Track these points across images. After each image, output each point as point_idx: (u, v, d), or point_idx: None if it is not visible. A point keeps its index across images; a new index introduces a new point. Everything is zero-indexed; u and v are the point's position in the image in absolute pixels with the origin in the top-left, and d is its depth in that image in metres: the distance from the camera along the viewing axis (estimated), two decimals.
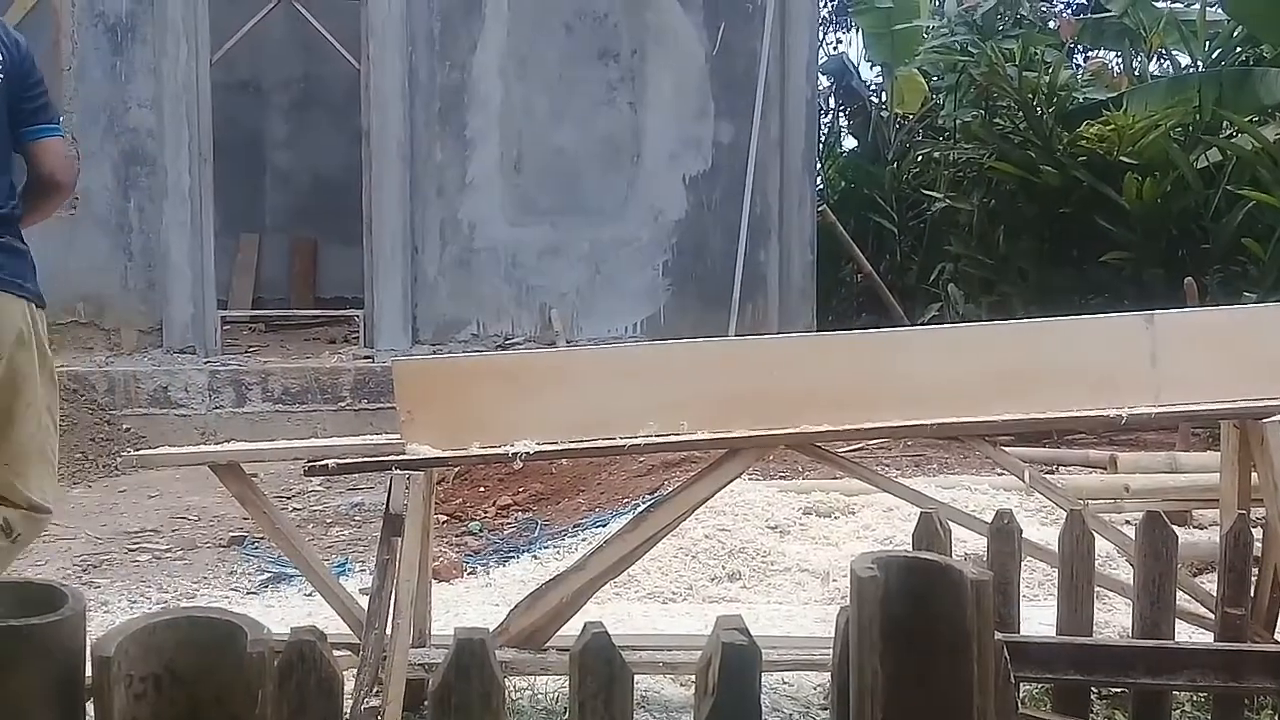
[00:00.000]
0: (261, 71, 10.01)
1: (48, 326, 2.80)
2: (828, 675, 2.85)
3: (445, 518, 4.85)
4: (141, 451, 2.70)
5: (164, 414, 6.70)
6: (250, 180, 9.83)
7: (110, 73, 7.27)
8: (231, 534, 4.71)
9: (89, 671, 0.83)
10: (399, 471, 2.46)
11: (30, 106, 2.65)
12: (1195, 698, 2.63)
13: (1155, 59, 8.75)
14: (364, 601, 2.61)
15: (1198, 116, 7.01)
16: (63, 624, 0.81)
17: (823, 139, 10.67)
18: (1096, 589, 2.22)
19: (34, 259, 2.72)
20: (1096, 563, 2.22)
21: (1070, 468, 4.94)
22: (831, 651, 2.49)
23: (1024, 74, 7.64)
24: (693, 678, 2.82)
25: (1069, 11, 10.58)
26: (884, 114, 11.05)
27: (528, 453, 2.53)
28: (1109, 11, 8.52)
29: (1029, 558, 2.46)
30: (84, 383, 6.58)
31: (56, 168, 2.68)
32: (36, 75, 2.67)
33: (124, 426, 6.52)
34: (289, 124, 10.19)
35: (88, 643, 0.85)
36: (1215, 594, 2.24)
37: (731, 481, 2.68)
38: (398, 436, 2.59)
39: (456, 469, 4.92)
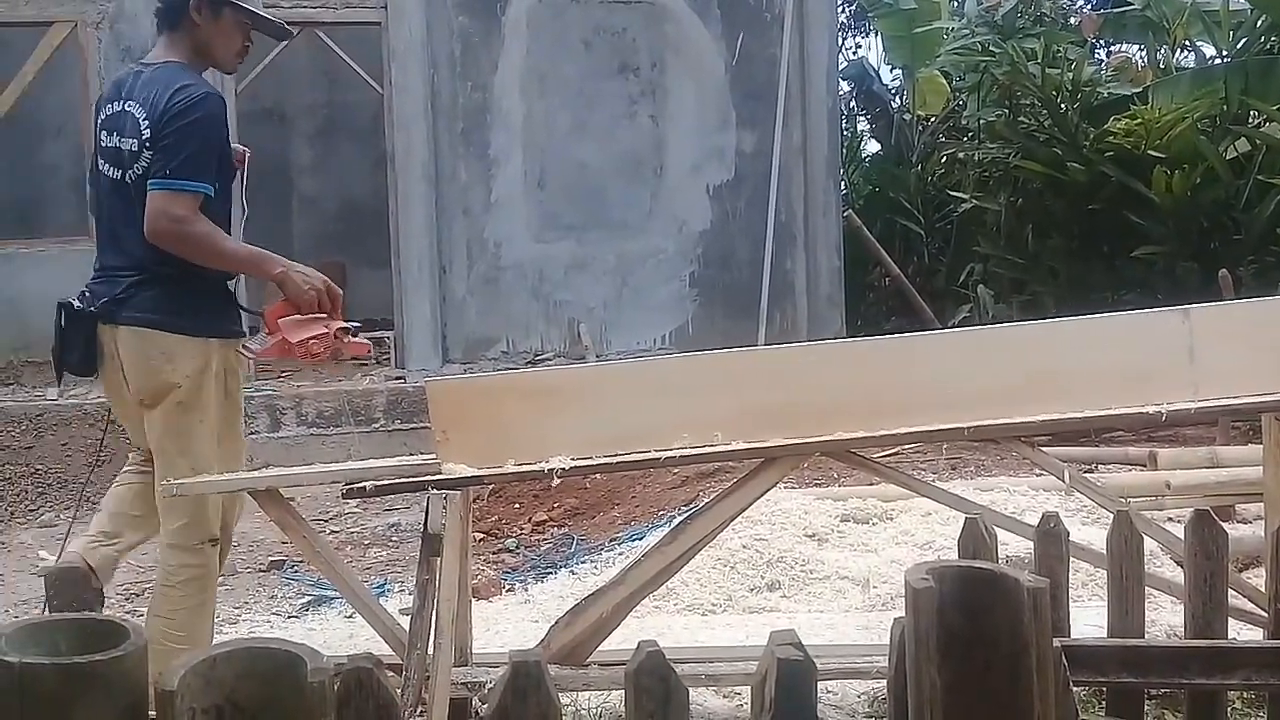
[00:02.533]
0: (286, 99, 10.12)
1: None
2: (872, 683, 2.84)
3: (482, 536, 4.87)
4: (180, 480, 2.72)
5: None
6: (277, 207, 9.92)
7: None
8: (271, 558, 4.73)
9: (152, 706, 0.84)
10: (436, 491, 2.47)
11: (156, 162, 2.78)
12: (1246, 695, 2.60)
13: (1179, 51, 8.67)
14: (405, 622, 2.62)
15: (1225, 107, 6.94)
16: (125, 659, 0.82)
17: (845, 144, 10.65)
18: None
19: (176, 298, 2.85)
20: None
21: (1109, 465, 4.88)
22: (876, 659, 2.47)
23: (1047, 72, 7.60)
24: (736, 690, 2.82)
25: (1090, 7, 10.51)
26: (906, 117, 11.02)
27: (563, 469, 2.53)
28: (1130, 5, 8.46)
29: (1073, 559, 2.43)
30: None
31: (148, 219, 2.77)
32: (166, 132, 2.78)
33: None
34: (314, 150, 10.29)
35: (150, 677, 0.85)
36: (1265, 590, 2.20)
37: (768, 491, 2.67)
38: (433, 456, 2.60)
39: (492, 487, 4.94)
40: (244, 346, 3.03)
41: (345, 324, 2.82)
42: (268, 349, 2.77)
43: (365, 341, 2.91)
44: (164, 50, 2.96)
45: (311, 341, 2.74)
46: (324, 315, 2.82)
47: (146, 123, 2.80)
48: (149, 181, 2.77)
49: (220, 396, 2.88)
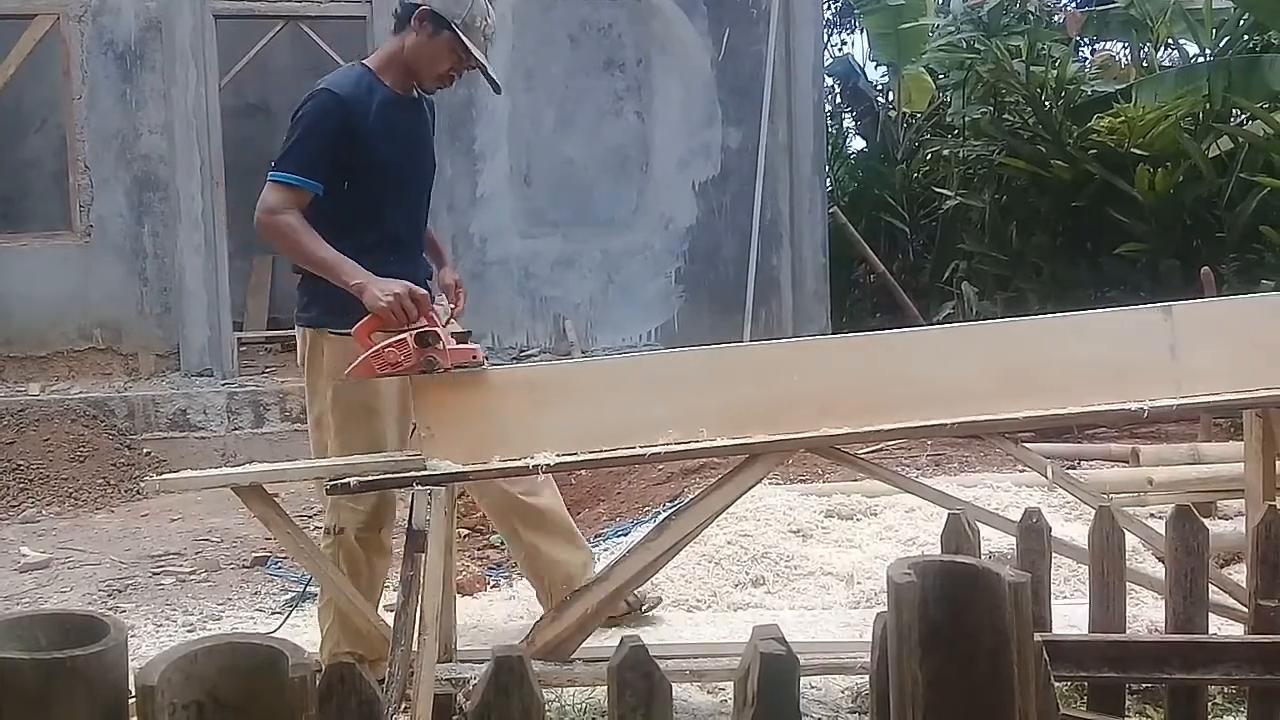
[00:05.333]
0: (270, 94, 10.06)
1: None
2: (856, 679, 2.85)
3: (466, 531, 4.86)
4: (163, 475, 2.71)
5: (183, 437, 6.73)
6: None
7: (121, 100, 7.32)
8: (254, 554, 4.72)
9: (132, 700, 0.84)
10: (420, 487, 2.46)
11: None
12: (1226, 691, 2.61)
13: (1163, 49, 8.72)
14: (389, 618, 2.62)
15: (1208, 105, 6.97)
16: (105, 654, 0.81)
17: (831, 141, 10.66)
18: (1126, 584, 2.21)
19: (324, 291, 2.88)
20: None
21: (1092, 462, 4.91)
22: (860, 655, 2.48)
23: (1031, 69, 7.62)
24: (720, 685, 2.83)
25: (1074, 6, 10.54)
26: (892, 113, 11.04)
27: (548, 464, 2.53)
28: (1114, 4, 8.50)
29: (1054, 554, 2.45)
30: (103, 408, 6.62)
31: (257, 209, 2.85)
32: (289, 129, 2.89)
33: (144, 451, 6.55)
34: None
35: (130, 672, 0.85)
36: (1246, 586, 2.22)
37: (753, 487, 2.68)
38: (418, 452, 2.60)
39: (477, 482, 4.92)
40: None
41: (427, 330, 2.62)
42: (355, 367, 2.62)
43: (470, 347, 2.65)
44: (376, 52, 3.05)
45: (388, 350, 2.58)
46: (415, 325, 2.66)
47: None
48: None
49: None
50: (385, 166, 2.93)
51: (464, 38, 2.92)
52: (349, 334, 2.81)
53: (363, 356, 2.61)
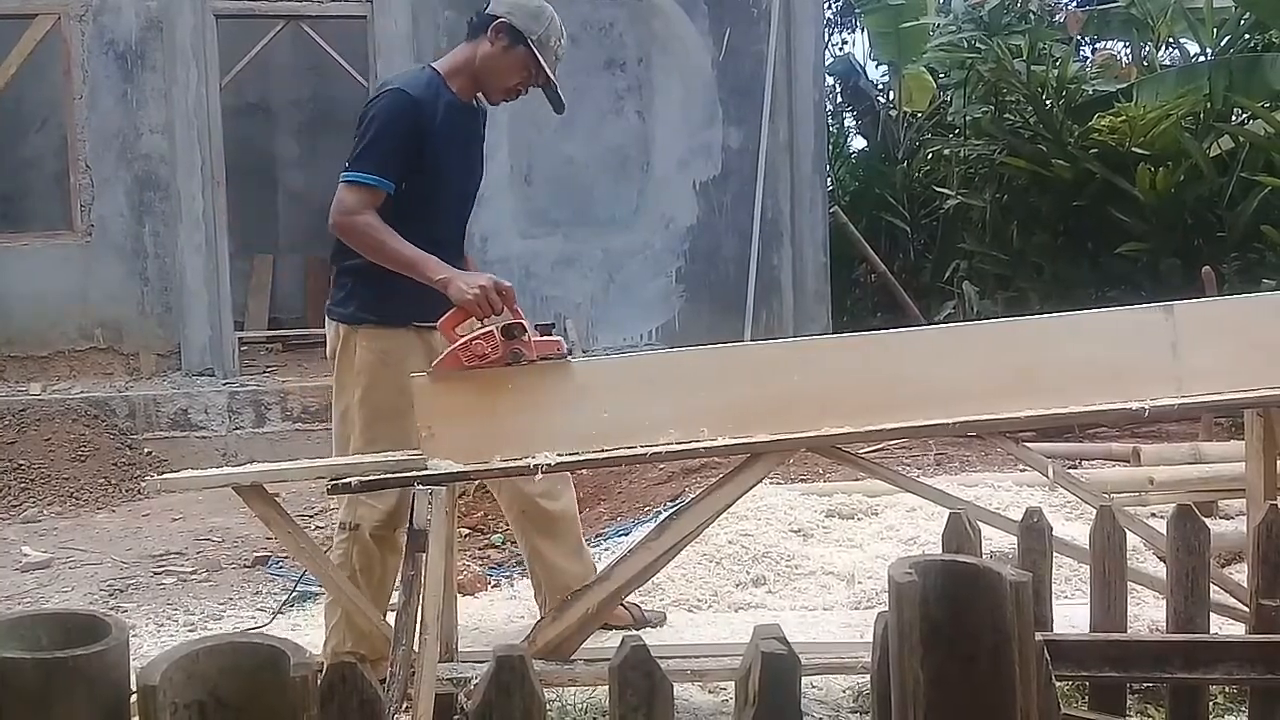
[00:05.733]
0: (271, 94, 10.07)
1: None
2: (857, 678, 2.85)
3: (468, 531, 4.86)
4: (165, 475, 2.71)
5: (185, 437, 6.73)
6: (263, 201, 9.88)
7: (121, 100, 7.32)
8: (256, 554, 4.72)
9: (134, 700, 0.84)
10: (421, 487, 2.46)
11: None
12: (1228, 690, 2.61)
13: (1163, 48, 8.71)
14: (390, 618, 2.62)
15: (1209, 104, 6.97)
16: (107, 653, 0.81)
17: (831, 140, 10.67)
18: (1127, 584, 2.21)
19: (361, 286, 2.95)
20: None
21: (1093, 462, 4.91)
22: (861, 655, 2.48)
23: (1032, 68, 7.62)
24: (721, 685, 2.83)
25: (1075, 5, 10.54)
26: (892, 113, 11.04)
27: (549, 464, 2.53)
28: (1115, 3, 8.49)
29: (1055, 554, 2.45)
30: (104, 408, 6.62)
31: (332, 212, 2.88)
32: (358, 129, 2.91)
33: (146, 450, 6.55)
34: (300, 145, 10.24)
35: (132, 671, 0.85)
36: (1248, 586, 2.22)
37: (753, 486, 2.68)
38: (419, 452, 2.60)
39: (477, 482, 4.93)
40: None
41: (513, 322, 2.61)
42: (441, 361, 2.62)
43: (554, 339, 2.65)
44: (444, 57, 3.07)
45: (475, 343, 2.58)
46: (500, 317, 2.67)
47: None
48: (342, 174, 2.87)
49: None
50: (444, 170, 2.96)
51: (538, 54, 2.96)
52: (384, 328, 2.88)
53: (449, 349, 2.61)
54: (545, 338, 2.64)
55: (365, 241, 2.85)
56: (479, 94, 3.08)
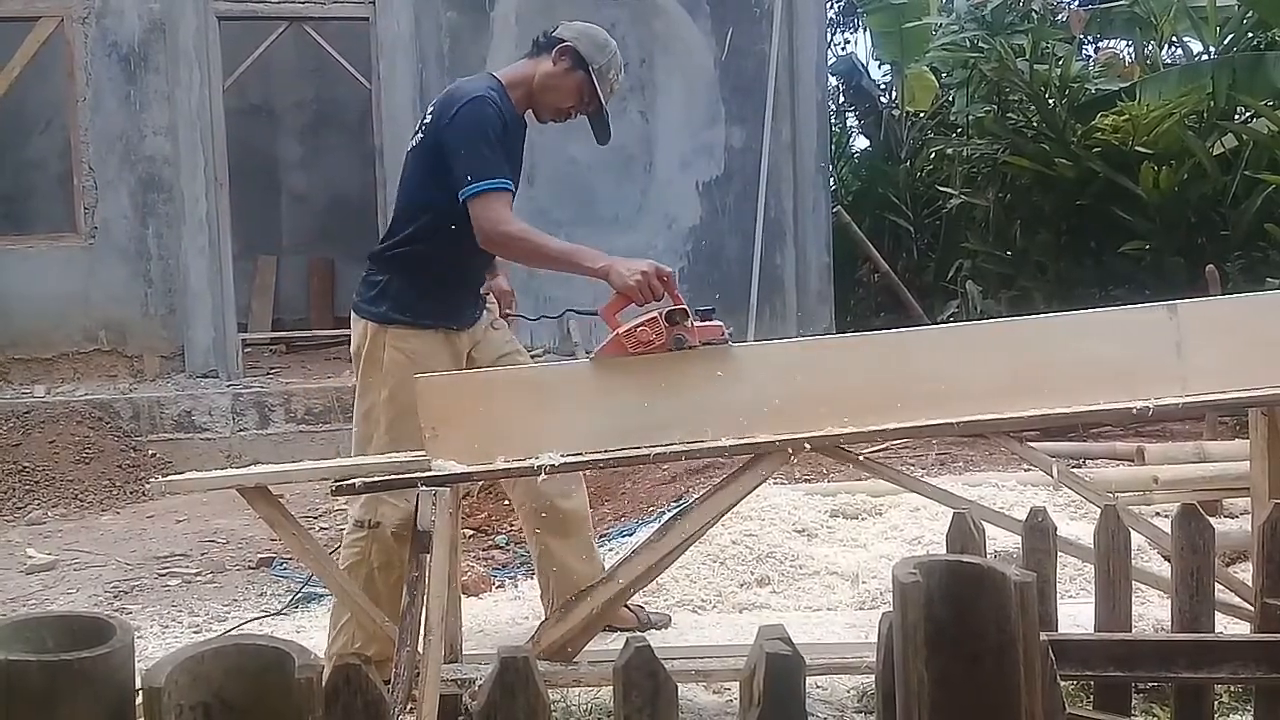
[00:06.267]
0: (274, 95, 10.08)
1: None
2: (862, 679, 2.85)
3: (471, 532, 4.86)
4: (169, 477, 2.71)
5: (189, 438, 6.74)
6: (266, 203, 9.89)
7: (125, 102, 7.33)
8: (260, 555, 4.72)
9: (139, 702, 0.84)
10: (425, 488, 2.46)
11: (453, 171, 2.88)
12: (1232, 689, 2.61)
13: (1167, 47, 8.71)
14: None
15: (1212, 103, 6.96)
16: (112, 655, 0.82)
17: (834, 140, 10.66)
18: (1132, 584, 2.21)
19: (395, 286, 2.97)
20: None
21: (1097, 461, 4.91)
22: (865, 655, 2.47)
23: (1035, 67, 7.62)
24: (726, 685, 2.83)
25: (1077, 4, 10.54)
26: (895, 112, 11.03)
27: (553, 465, 2.53)
28: (1118, 1, 8.49)
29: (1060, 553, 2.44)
30: (109, 410, 6.63)
31: (478, 228, 2.87)
32: (458, 139, 2.88)
33: (150, 452, 6.56)
34: (303, 146, 10.26)
35: (136, 673, 0.85)
36: (1252, 585, 2.21)
37: (757, 486, 2.68)
38: (423, 453, 2.60)
39: (482, 483, 4.93)
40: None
41: (675, 307, 2.61)
42: (604, 347, 2.61)
43: (717, 324, 2.64)
44: (506, 69, 3.10)
45: (640, 329, 2.58)
46: (660, 303, 2.67)
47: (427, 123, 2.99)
48: (462, 191, 2.85)
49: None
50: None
51: (595, 83, 3.02)
52: (415, 329, 2.91)
53: (612, 335, 2.61)
54: (708, 323, 2.64)
55: (530, 246, 2.90)
56: (529, 110, 3.13)
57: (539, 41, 3.10)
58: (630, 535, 4.30)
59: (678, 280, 2.78)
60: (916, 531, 3.97)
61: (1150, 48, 8.54)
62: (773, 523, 4.07)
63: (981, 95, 8.28)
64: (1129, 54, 9.38)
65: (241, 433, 6.84)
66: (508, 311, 3.29)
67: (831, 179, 9.54)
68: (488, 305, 3.21)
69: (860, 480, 4.35)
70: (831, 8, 13.42)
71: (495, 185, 2.86)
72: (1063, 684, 2.19)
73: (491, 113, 2.91)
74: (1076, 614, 2.70)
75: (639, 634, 1.02)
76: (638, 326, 2.58)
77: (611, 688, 1.01)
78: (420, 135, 3.02)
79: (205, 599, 4.19)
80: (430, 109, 3.06)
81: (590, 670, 2.67)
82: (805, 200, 8.11)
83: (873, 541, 3.99)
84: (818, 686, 2.89)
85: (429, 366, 2.86)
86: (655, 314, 2.59)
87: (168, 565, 4.69)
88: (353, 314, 3.07)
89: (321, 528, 5.25)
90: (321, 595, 3.93)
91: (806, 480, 4.72)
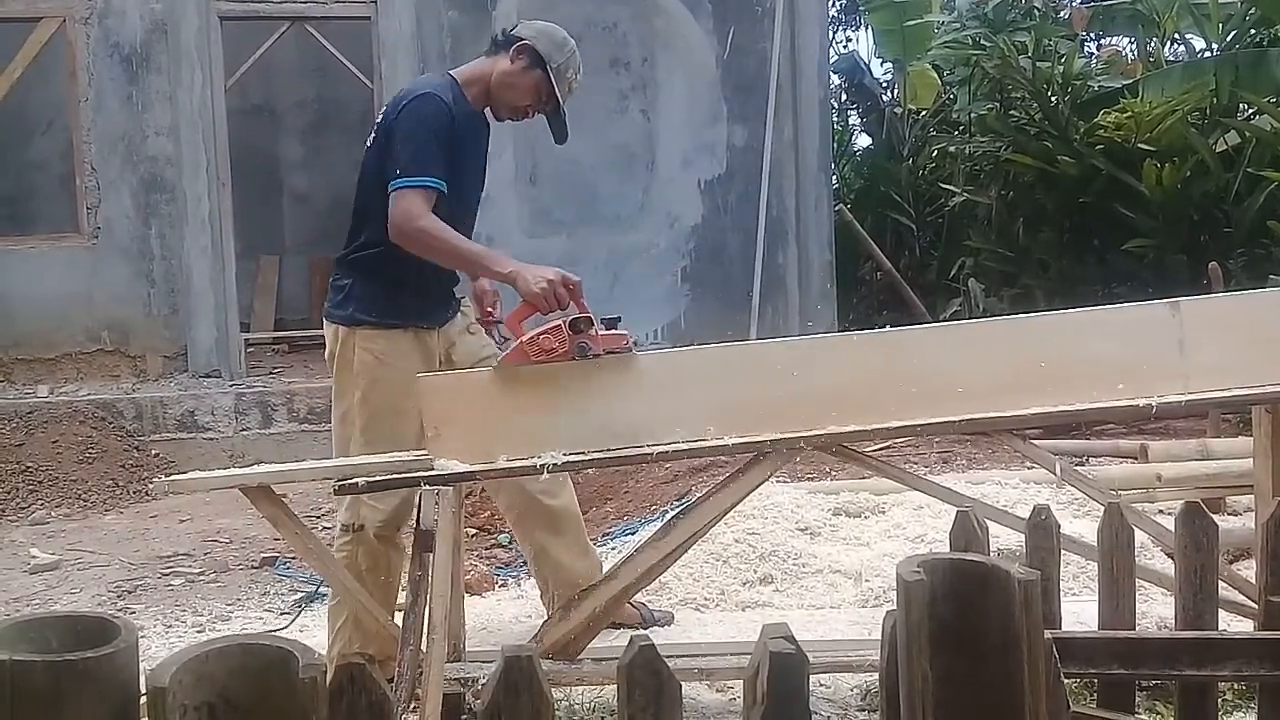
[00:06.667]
0: (276, 95, 10.09)
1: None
2: (865, 677, 2.85)
3: (474, 531, 4.86)
4: (172, 477, 2.71)
5: (191, 438, 6.75)
6: (268, 203, 9.89)
7: (127, 102, 7.34)
8: (263, 555, 4.73)
9: (143, 701, 0.84)
10: (428, 488, 2.46)
11: (391, 164, 2.88)
12: (1236, 687, 2.61)
13: (1169, 44, 8.70)
14: (398, 618, 2.62)
15: (1214, 100, 6.96)
16: (116, 655, 0.82)
17: (836, 138, 10.66)
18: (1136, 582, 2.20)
19: (359, 288, 2.98)
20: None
21: (1100, 458, 4.90)
22: (869, 653, 2.47)
23: (1037, 65, 7.61)
24: (729, 683, 2.83)
25: (1079, 1, 10.53)
26: (897, 110, 11.03)
27: (555, 464, 2.53)
28: None
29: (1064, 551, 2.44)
30: (112, 410, 6.64)
31: (390, 220, 2.85)
32: (397, 135, 2.89)
33: (153, 452, 6.57)
34: (305, 146, 10.26)
35: (141, 673, 0.85)
36: (1256, 582, 2.21)
37: (760, 485, 2.68)
38: (426, 452, 2.60)
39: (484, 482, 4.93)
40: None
41: (580, 315, 2.60)
42: (508, 355, 2.60)
43: (621, 333, 2.63)
44: (463, 66, 3.11)
45: (543, 337, 2.57)
46: (565, 311, 2.67)
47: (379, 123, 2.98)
48: (391, 182, 2.83)
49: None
50: (459, 178, 2.97)
51: (554, 82, 3.02)
52: (382, 329, 2.89)
53: (515, 343, 2.61)
54: (611, 331, 2.63)
55: (436, 244, 2.85)
56: (487, 108, 3.12)
57: (497, 39, 3.08)
58: (633, 534, 4.30)
59: (581, 290, 2.74)
60: (919, 530, 3.97)
61: (1153, 45, 8.53)
62: (775, 521, 4.07)
63: (984, 93, 8.27)
64: (1131, 51, 9.37)
65: (244, 432, 6.84)
66: (489, 311, 3.26)
67: (834, 177, 9.53)
68: (463, 309, 3.19)
69: (863, 478, 4.35)
70: (833, 6, 13.40)
71: (419, 183, 2.83)
72: (1067, 682, 2.19)
73: (433, 110, 2.89)
74: (1080, 612, 2.70)
75: (642, 632, 1.02)
76: (541, 334, 2.58)
77: (615, 686, 1.01)
78: (374, 135, 3.01)
79: (209, 598, 4.19)
80: (383, 108, 3.06)
81: (594, 669, 2.68)
82: (807, 199, 8.11)
83: (876, 540, 3.99)
84: (821, 685, 2.89)
85: (399, 366, 2.86)
86: (559, 322, 2.59)
87: (171, 565, 4.70)
88: (324, 319, 3.08)
89: (324, 527, 5.24)
90: (325, 594, 3.94)
91: (809, 478, 4.72)
